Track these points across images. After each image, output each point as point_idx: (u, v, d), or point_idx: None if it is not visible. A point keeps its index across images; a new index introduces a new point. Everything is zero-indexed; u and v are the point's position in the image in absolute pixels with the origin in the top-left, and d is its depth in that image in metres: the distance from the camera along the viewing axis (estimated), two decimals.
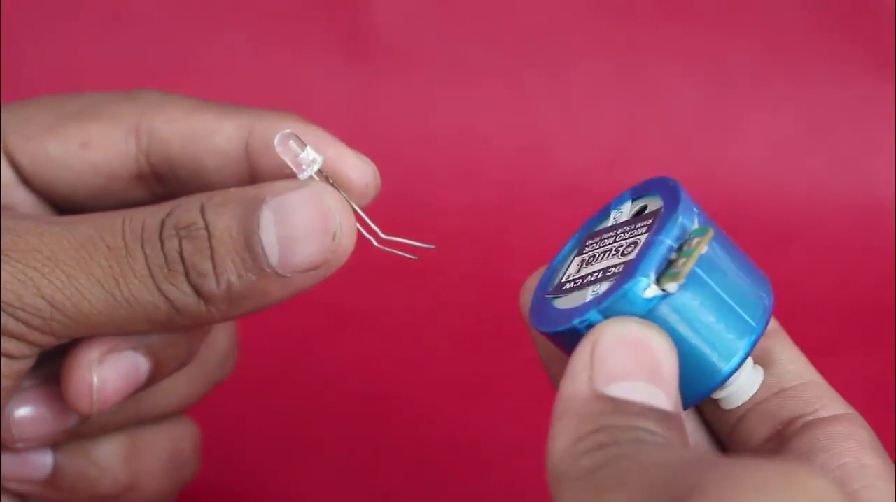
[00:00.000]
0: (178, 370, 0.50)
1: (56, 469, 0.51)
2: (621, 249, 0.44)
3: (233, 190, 0.46)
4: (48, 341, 0.46)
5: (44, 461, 0.51)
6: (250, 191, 0.46)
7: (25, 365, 0.46)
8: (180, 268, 0.45)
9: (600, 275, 0.44)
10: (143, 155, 0.50)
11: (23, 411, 0.49)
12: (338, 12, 0.85)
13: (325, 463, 0.70)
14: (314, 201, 0.46)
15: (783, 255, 0.82)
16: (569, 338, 0.42)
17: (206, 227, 0.45)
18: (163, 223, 0.45)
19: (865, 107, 0.85)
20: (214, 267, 0.45)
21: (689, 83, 0.85)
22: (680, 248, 0.42)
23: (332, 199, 0.46)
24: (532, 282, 0.46)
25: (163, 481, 0.53)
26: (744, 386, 0.45)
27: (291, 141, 0.46)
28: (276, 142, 0.46)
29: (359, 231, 0.47)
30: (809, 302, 0.79)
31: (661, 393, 0.40)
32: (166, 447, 0.53)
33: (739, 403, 0.45)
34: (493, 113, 0.84)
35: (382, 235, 0.47)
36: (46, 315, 0.45)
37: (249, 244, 0.45)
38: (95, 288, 0.45)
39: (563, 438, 0.39)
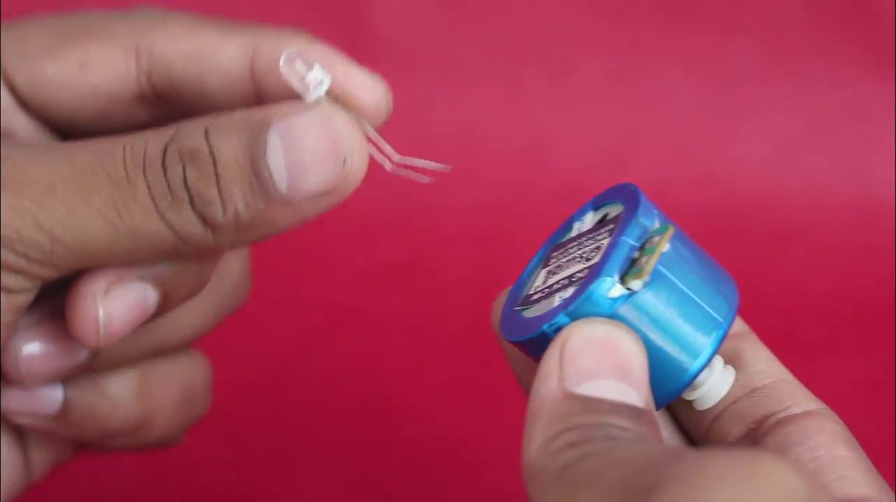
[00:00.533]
0: (189, 299, 0.48)
1: (66, 403, 0.49)
2: (585, 255, 0.45)
3: (238, 112, 0.44)
4: (49, 273, 0.44)
5: (53, 396, 0.49)
6: (256, 113, 0.44)
7: (26, 298, 0.45)
8: (185, 195, 0.43)
9: (566, 281, 0.44)
10: (144, 75, 0.48)
11: (30, 347, 0.47)
12: (338, 13, 0.85)
13: (325, 463, 0.70)
14: (323, 124, 0.43)
15: (783, 255, 0.82)
16: (539, 345, 0.42)
17: (211, 152, 0.43)
18: (165, 149, 0.43)
19: (865, 107, 0.85)
20: (220, 194, 0.43)
21: (689, 83, 0.86)
22: (642, 248, 0.43)
23: (341, 122, 0.44)
24: (501, 299, 0.46)
25: (174, 417, 0.51)
26: (715, 385, 0.45)
27: (297, 61, 0.44)
28: (281, 62, 0.44)
29: (370, 154, 0.45)
30: (809, 302, 0.79)
31: (632, 390, 0.40)
32: (178, 382, 0.51)
33: (712, 403, 0.45)
34: (493, 113, 0.84)
35: (396, 157, 0.45)
36: (46, 248, 0.43)
37: (256, 170, 0.43)
38: (96, 218, 0.43)
39: (535, 439, 0.39)
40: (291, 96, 0.44)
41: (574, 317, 0.42)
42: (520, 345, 0.44)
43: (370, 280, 0.79)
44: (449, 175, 0.45)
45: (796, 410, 0.44)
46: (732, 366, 0.46)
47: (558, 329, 0.42)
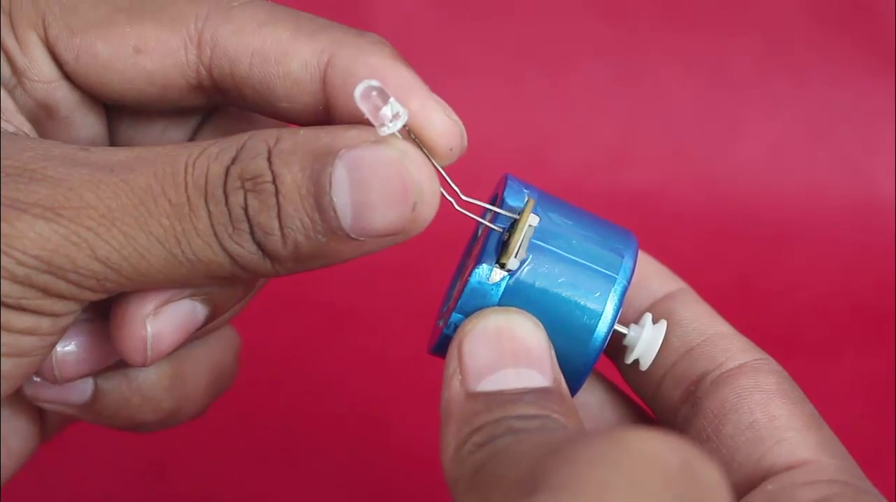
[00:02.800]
0: (236, 306, 0.46)
1: (96, 394, 0.47)
2: (472, 253, 0.45)
3: (302, 133, 0.41)
4: (98, 297, 0.42)
5: (83, 387, 0.47)
6: (322, 137, 0.41)
7: (70, 320, 0.42)
8: (245, 226, 0.41)
9: (461, 282, 0.44)
10: (205, 67, 0.44)
11: (67, 347, 0.45)
12: (338, 14, 0.85)
13: (324, 461, 0.70)
14: (395, 163, 0.41)
15: (783, 255, 0.82)
16: (447, 349, 0.42)
17: (274, 181, 0.41)
18: (227, 172, 0.41)
19: (865, 107, 0.85)
20: (281, 226, 0.41)
21: (689, 84, 0.86)
22: (512, 228, 0.43)
23: (414, 163, 0.41)
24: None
25: (204, 398, 0.50)
26: (647, 342, 0.45)
27: (374, 92, 0.41)
28: (357, 93, 0.41)
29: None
30: (809, 302, 0.79)
31: (533, 372, 0.40)
32: (210, 364, 0.49)
33: (650, 361, 0.45)
34: (493, 113, 0.84)
35: (463, 197, 0.43)
36: (101, 276, 0.41)
37: (320, 205, 0.41)
38: (155, 247, 0.41)
39: (448, 447, 0.39)
40: (363, 117, 0.41)
41: (465, 312, 0.43)
42: (438, 355, 0.44)
43: (369, 280, 0.79)
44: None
45: (730, 365, 0.44)
46: (668, 326, 0.46)
47: (456, 328, 0.42)
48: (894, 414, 0.70)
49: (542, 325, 0.42)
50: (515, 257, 0.43)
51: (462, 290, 0.43)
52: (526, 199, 0.44)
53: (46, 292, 0.41)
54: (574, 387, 0.43)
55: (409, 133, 0.42)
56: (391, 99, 0.41)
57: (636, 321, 0.46)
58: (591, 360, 0.43)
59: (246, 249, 0.41)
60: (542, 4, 0.85)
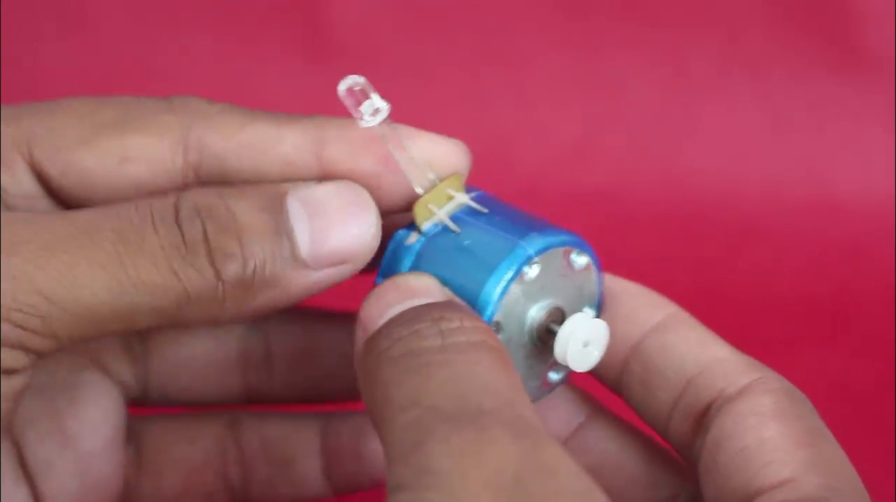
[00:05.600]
0: None
1: None
2: None
3: (249, 185, 0.44)
4: (48, 346, 0.41)
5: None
6: (267, 186, 0.44)
7: (24, 380, 0.42)
8: (202, 248, 0.42)
9: None
10: (192, 169, 0.46)
11: None
12: (296, 13, 0.85)
13: None
14: (345, 190, 0.44)
15: (743, 252, 0.82)
16: None
17: (228, 209, 0.42)
18: (177, 206, 0.42)
19: (826, 103, 0.85)
20: (242, 248, 0.42)
21: (649, 80, 0.86)
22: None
23: (361, 191, 0.44)
24: None
25: None
26: (564, 338, 0.45)
27: (357, 87, 0.44)
28: (341, 88, 0.44)
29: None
30: (768, 300, 0.79)
31: (421, 299, 0.42)
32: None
33: (570, 359, 0.45)
34: (453, 112, 0.84)
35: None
36: (44, 312, 0.40)
37: (278, 229, 0.43)
38: (98, 273, 0.41)
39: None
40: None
41: (383, 275, 0.45)
42: None
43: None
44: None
45: (731, 391, 0.44)
46: (661, 359, 0.46)
47: None
48: (852, 411, 0.70)
49: (430, 275, 0.44)
50: (430, 221, 0.45)
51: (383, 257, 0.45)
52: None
53: None
54: None
55: (392, 129, 0.44)
56: (373, 94, 0.44)
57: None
58: (485, 317, 0.44)
59: (198, 271, 0.41)
60: (499, 2, 0.85)
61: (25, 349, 0.41)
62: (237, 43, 0.85)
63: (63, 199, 0.46)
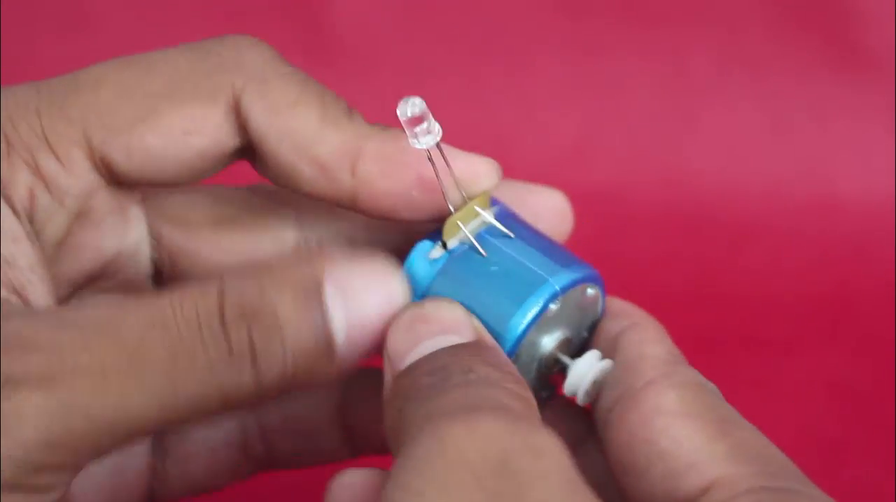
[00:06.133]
0: None
1: None
2: None
3: (284, 264, 0.42)
4: (91, 461, 0.41)
5: None
6: (305, 268, 0.42)
7: (66, 487, 0.41)
8: (247, 356, 0.41)
9: None
10: (244, 135, 0.45)
11: None
12: (297, 13, 0.85)
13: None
14: (380, 272, 0.43)
15: (743, 253, 0.82)
16: None
17: (272, 307, 0.41)
18: (222, 308, 0.41)
19: (826, 103, 0.85)
20: (284, 352, 0.41)
21: (649, 80, 0.86)
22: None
23: (398, 279, 0.43)
24: None
25: None
26: (578, 374, 0.45)
27: (415, 108, 0.43)
28: (400, 107, 0.43)
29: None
30: (769, 299, 0.79)
31: (451, 336, 0.41)
32: None
33: (581, 393, 0.45)
34: (453, 112, 0.84)
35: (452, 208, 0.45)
36: (96, 440, 0.40)
37: (318, 323, 0.41)
38: (150, 400, 0.40)
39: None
40: (388, 208, 0.44)
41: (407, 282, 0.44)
42: None
43: None
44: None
45: (638, 384, 0.44)
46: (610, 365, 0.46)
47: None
48: (852, 411, 0.70)
49: (458, 303, 0.43)
50: (457, 238, 0.44)
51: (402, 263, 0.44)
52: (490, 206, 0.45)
53: (44, 467, 0.39)
54: None
55: (443, 156, 0.44)
56: (430, 117, 0.43)
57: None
58: (507, 350, 0.44)
59: (242, 377, 0.41)
60: (500, 2, 0.85)
61: (74, 468, 0.40)
62: None
63: (129, 180, 0.45)
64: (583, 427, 0.48)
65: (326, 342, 0.41)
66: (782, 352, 0.73)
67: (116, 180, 0.45)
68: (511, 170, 0.84)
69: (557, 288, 0.44)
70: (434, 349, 0.41)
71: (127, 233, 0.48)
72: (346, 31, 0.85)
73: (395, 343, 0.42)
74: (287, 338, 0.41)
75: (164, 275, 0.49)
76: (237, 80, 0.44)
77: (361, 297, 0.42)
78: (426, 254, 0.44)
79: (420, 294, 0.44)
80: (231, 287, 0.41)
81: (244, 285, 0.41)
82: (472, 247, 0.44)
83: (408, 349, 0.41)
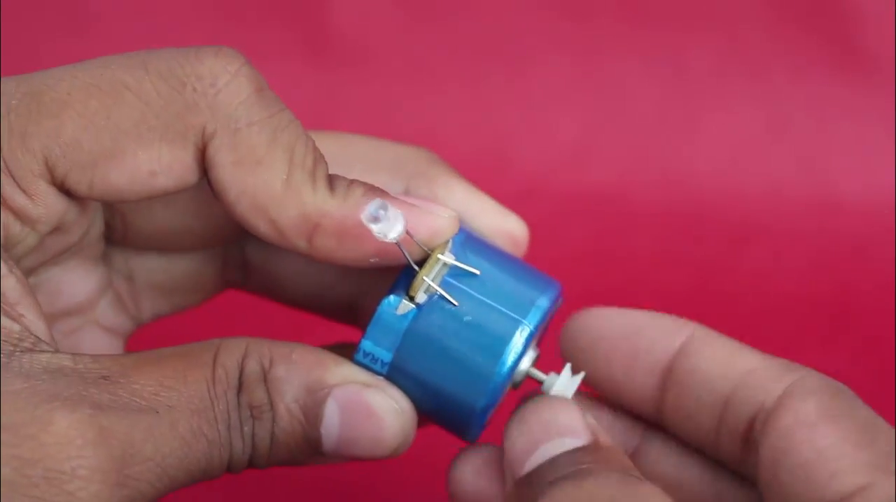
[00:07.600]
0: None
1: None
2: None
3: (295, 357, 0.44)
4: None
5: None
6: (314, 370, 0.44)
7: None
8: (250, 445, 0.44)
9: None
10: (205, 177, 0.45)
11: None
12: (299, 16, 0.85)
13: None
14: (386, 415, 0.45)
15: (743, 253, 0.82)
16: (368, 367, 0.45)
17: (272, 409, 0.44)
18: (238, 401, 0.44)
19: (826, 104, 0.85)
20: (272, 446, 0.44)
21: (650, 81, 0.86)
22: (423, 264, 0.44)
23: (404, 415, 0.45)
24: None
25: None
26: (560, 391, 0.46)
27: (380, 211, 0.43)
28: (362, 214, 0.43)
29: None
30: (769, 299, 0.79)
31: (567, 439, 0.42)
32: None
33: None
34: (455, 113, 0.84)
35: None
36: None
37: (308, 434, 0.44)
38: (187, 480, 0.44)
39: None
40: (344, 266, 0.45)
41: (373, 338, 0.44)
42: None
43: None
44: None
45: (769, 402, 0.44)
46: (693, 385, 0.45)
47: (366, 355, 0.44)
48: None
49: (572, 402, 0.44)
50: (424, 291, 0.44)
51: (370, 319, 0.44)
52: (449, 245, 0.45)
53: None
54: (470, 426, 0.45)
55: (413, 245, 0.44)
56: (388, 208, 0.42)
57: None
58: (489, 400, 0.44)
59: (237, 458, 0.44)
60: (502, 4, 0.85)
61: None
62: (237, 43, 0.85)
63: (88, 203, 0.46)
64: (638, 430, 0.49)
65: (312, 445, 0.44)
66: (782, 352, 0.73)
67: (83, 202, 0.46)
68: (511, 170, 0.84)
69: (533, 328, 0.44)
70: (553, 454, 0.42)
71: (85, 215, 0.48)
72: (345, 31, 0.85)
73: (513, 447, 0.43)
74: (276, 439, 0.44)
75: (116, 233, 0.50)
76: (209, 124, 0.44)
77: (360, 425, 0.44)
78: (394, 311, 0.44)
79: (392, 350, 0.44)
80: (248, 374, 0.44)
81: (256, 373, 0.44)
82: (441, 297, 0.44)
83: (527, 453, 0.42)
